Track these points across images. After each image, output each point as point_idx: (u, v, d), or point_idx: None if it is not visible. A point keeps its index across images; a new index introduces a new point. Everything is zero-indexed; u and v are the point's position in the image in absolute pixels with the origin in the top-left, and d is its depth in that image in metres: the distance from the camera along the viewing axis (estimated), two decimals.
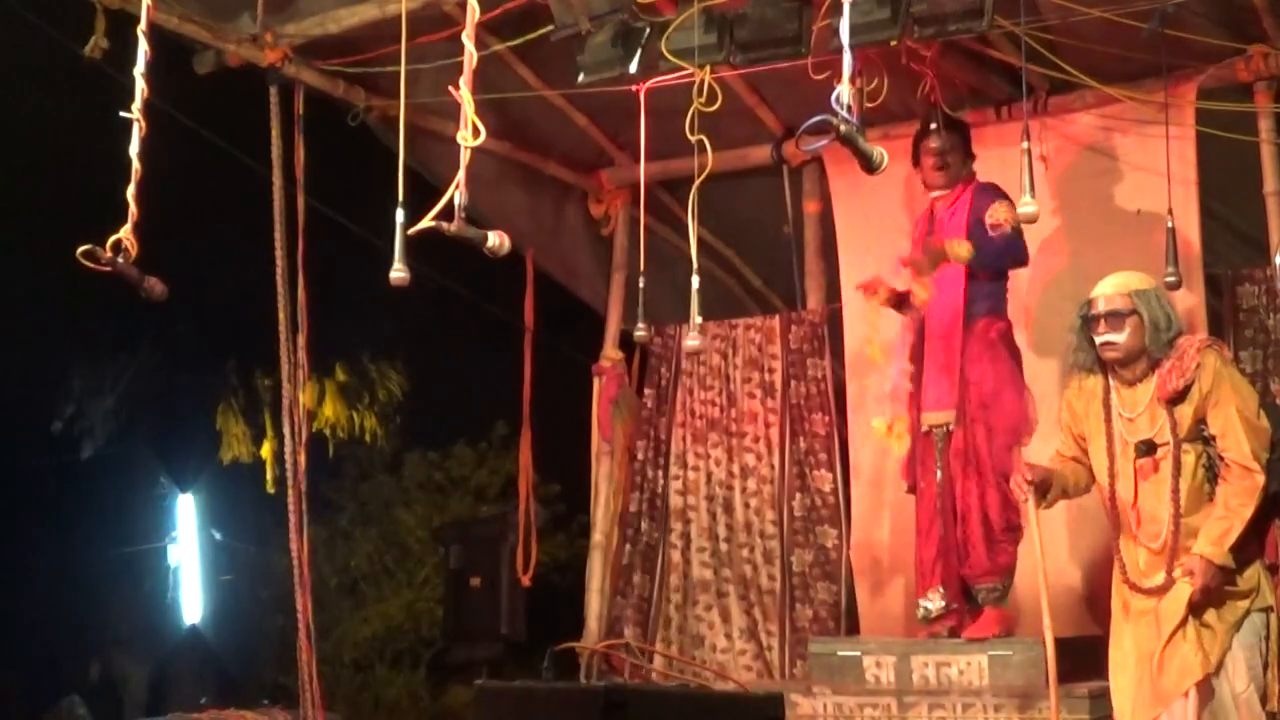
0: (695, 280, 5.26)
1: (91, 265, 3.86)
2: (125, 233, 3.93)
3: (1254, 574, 4.40)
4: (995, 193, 5.92)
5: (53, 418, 10.96)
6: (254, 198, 6.33)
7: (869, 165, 3.45)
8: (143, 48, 4.07)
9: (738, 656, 7.19)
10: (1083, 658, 5.80)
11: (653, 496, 7.59)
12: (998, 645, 5.57)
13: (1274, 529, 4.51)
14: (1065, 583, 6.41)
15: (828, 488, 7.13)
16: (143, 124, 3.99)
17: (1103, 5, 5.65)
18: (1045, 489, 4.68)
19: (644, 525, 7.54)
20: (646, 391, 7.73)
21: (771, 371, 7.41)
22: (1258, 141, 6.24)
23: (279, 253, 6.26)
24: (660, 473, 7.58)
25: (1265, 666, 4.38)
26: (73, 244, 3.86)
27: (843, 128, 3.32)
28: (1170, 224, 5.69)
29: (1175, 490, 4.41)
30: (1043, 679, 5.33)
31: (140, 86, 4.00)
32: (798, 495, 7.21)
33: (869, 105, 5.50)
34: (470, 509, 10.22)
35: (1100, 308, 4.54)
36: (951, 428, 5.86)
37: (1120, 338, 4.48)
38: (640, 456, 7.63)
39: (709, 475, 7.47)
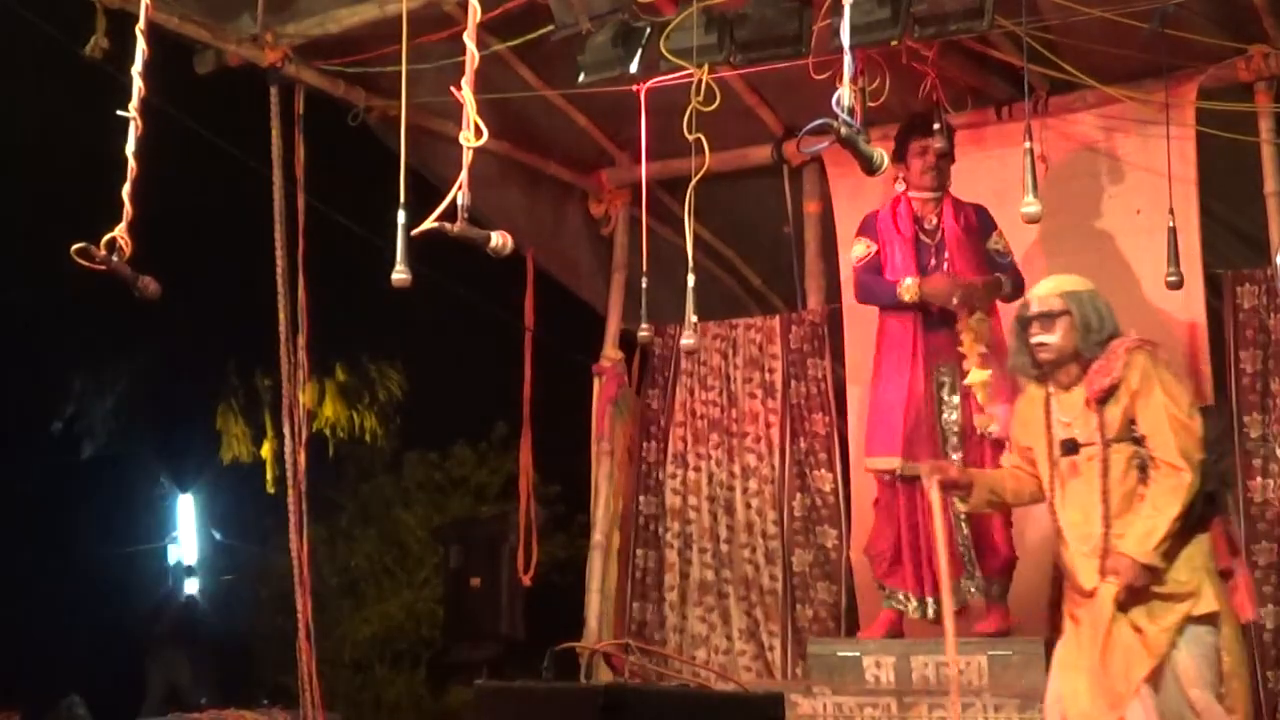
0: (691, 279, 5.26)
1: (85, 264, 3.86)
2: (120, 231, 3.93)
3: (1192, 578, 4.33)
4: (991, 218, 6.06)
5: (53, 418, 10.97)
6: (254, 198, 6.33)
7: (869, 167, 3.45)
8: (141, 47, 4.06)
9: (738, 657, 7.19)
10: None
11: (654, 497, 7.59)
12: (998, 645, 5.57)
13: (1218, 533, 4.42)
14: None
15: (828, 488, 7.13)
16: (140, 123, 3.98)
17: (1103, 5, 5.65)
18: (959, 487, 4.75)
19: (655, 527, 7.55)
20: (649, 392, 7.73)
21: (772, 371, 7.40)
22: (1258, 141, 6.24)
23: (279, 253, 6.26)
24: (661, 473, 7.58)
25: (1223, 678, 4.31)
26: (73, 244, 3.86)
27: (843, 130, 3.32)
28: (1170, 224, 5.69)
29: (1104, 491, 4.41)
30: (1042, 679, 5.34)
31: (138, 86, 3.99)
32: (798, 495, 7.20)
33: (870, 105, 5.50)
34: (470, 509, 10.24)
35: (1033, 309, 4.60)
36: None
37: (1052, 338, 4.52)
38: (648, 458, 7.63)
39: (710, 476, 7.47)
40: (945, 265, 5.96)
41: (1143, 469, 4.39)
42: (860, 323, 7.02)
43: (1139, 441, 4.39)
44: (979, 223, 6.03)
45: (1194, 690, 4.28)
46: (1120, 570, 4.33)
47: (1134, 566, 4.30)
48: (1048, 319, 4.54)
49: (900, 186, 6.09)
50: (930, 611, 5.88)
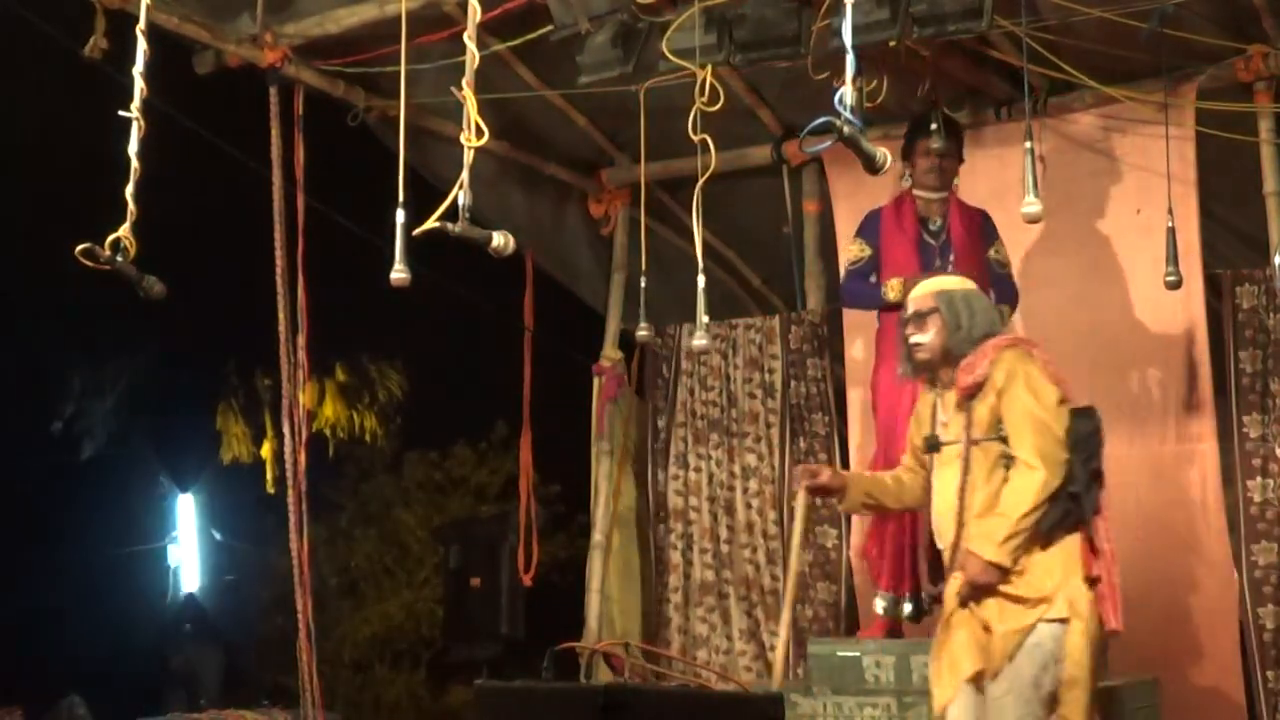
0: (701, 280, 5.25)
1: (90, 264, 3.86)
2: (124, 232, 3.93)
3: (1047, 582, 4.27)
4: (994, 226, 5.99)
5: (53, 418, 10.97)
6: (254, 198, 6.33)
7: (872, 167, 3.45)
8: (141, 47, 4.06)
9: (738, 657, 7.19)
10: None
11: (654, 497, 7.59)
12: None
13: (1085, 537, 4.35)
14: None
15: None
16: (142, 123, 3.98)
17: (1103, 5, 5.65)
18: (831, 491, 4.76)
19: (657, 527, 7.56)
20: (649, 392, 7.74)
21: (771, 371, 7.41)
22: (1258, 141, 6.24)
23: (279, 253, 6.26)
24: (661, 473, 7.59)
25: (1059, 683, 4.25)
26: (73, 244, 3.86)
27: (846, 129, 3.31)
28: (1170, 224, 5.69)
29: (960, 489, 4.40)
30: None
31: (139, 86, 4.00)
32: None
33: (869, 105, 5.49)
34: (470, 509, 10.23)
35: (909, 311, 4.61)
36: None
37: (925, 338, 4.53)
38: (645, 458, 7.64)
39: (710, 476, 7.47)
40: (950, 268, 5.93)
41: (1009, 468, 4.35)
42: (860, 323, 7.02)
43: (1006, 440, 4.35)
44: (982, 229, 5.98)
45: (997, 688, 4.26)
46: (965, 566, 4.32)
47: (977, 563, 4.27)
48: (920, 318, 4.55)
49: (906, 183, 6.06)
50: (906, 610, 5.87)
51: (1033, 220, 5.01)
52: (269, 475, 10.29)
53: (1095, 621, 4.29)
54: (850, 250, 6.11)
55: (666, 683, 6.89)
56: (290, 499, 6.28)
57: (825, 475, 4.80)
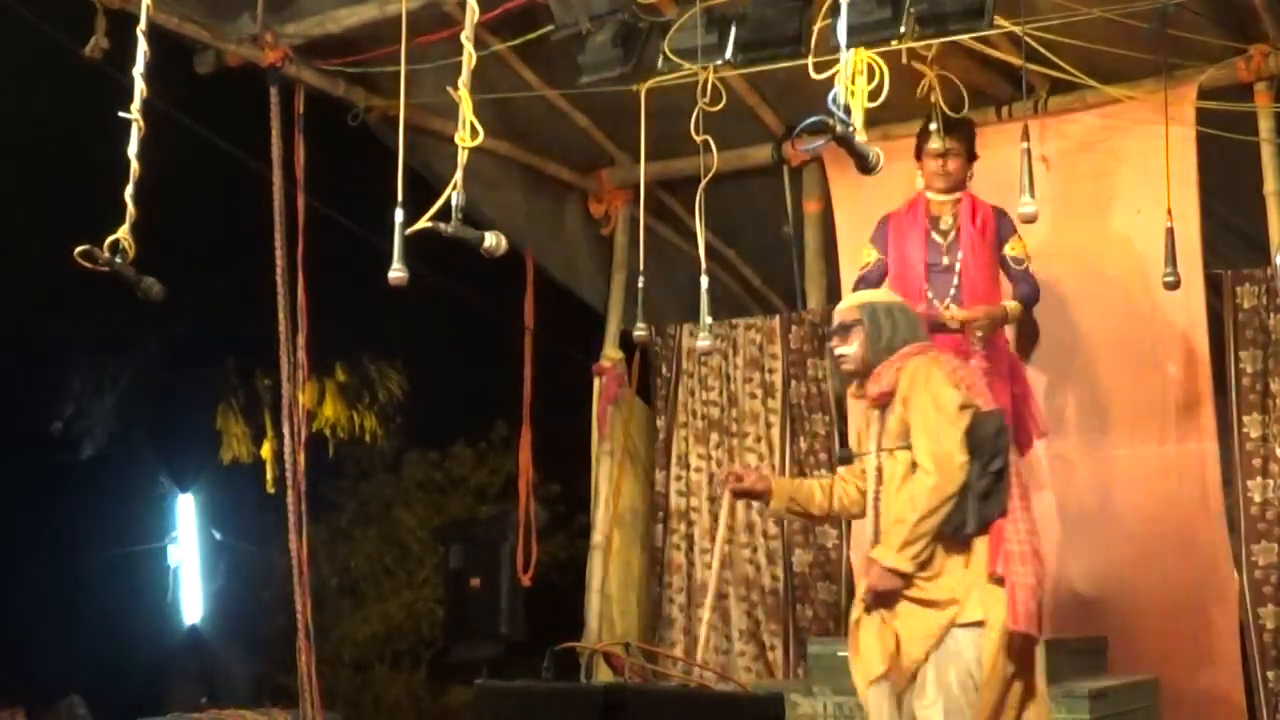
0: (705, 280, 5.25)
1: (89, 265, 3.86)
2: (123, 233, 3.93)
3: (958, 586, 4.30)
4: (1011, 222, 5.91)
5: (53, 418, 10.95)
6: (254, 198, 6.33)
7: (865, 166, 3.45)
8: (142, 48, 4.07)
9: (738, 658, 7.19)
10: (1083, 658, 5.82)
11: (659, 498, 7.59)
12: None
13: (993, 538, 4.33)
14: (1066, 584, 6.42)
15: None
16: (141, 124, 3.99)
17: (1103, 5, 5.65)
18: (756, 495, 4.81)
19: (655, 527, 7.56)
20: (650, 393, 7.74)
21: (772, 371, 7.41)
22: (1258, 141, 6.24)
23: (279, 253, 6.26)
24: (664, 474, 7.59)
25: (977, 687, 4.27)
26: (73, 244, 3.86)
27: (839, 128, 3.32)
28: (1170, 224, 5.69)
29: (876, 497, 4.48)
30: (1043, 679, 5.34)
31: (140, 86, 4.00)
32: None
33: (869, 105, 5.49)
34: (470, 509, 10.22)
35: (834, 324, 4.69)
36: None
37: (850, 349, 4.59)
38: (649, 458, 7.64)
39: (711, 476, 7.47)
40: (957, 265, 5.92)
41: None
42: None
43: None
44: (996, 225, 5.91)
45: (920, 702, 4.29)
46: (867, 572, 4.40)
47: (877, 569, 4.34)
48: (844, 330, 4.62)
49: (920, 184, 6.06)
50: None
51: (1029, 220, 5.00)
52: (269, 475, 10.26)
53: (1001, 622, 4.30)
54: (860, 255, 6.13)
55: (666, 683, 6.89)
56: (290, 499, 6.28)
57: (750, 478, 4.85)
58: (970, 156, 6.00)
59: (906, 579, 4.29)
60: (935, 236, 6.01)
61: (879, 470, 4.48)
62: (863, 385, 4.59)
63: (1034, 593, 4.27)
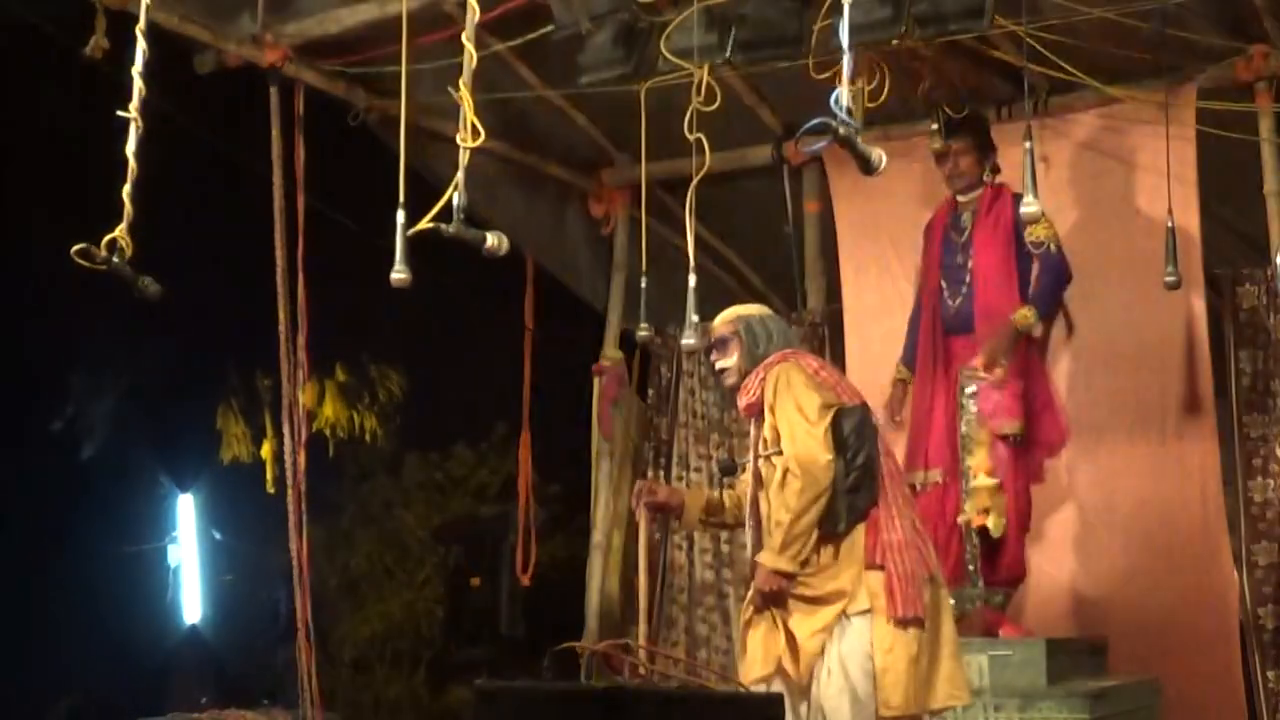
0: (692, 279, 5.27)
1: (86, 264, 3.86)
2: (120, 232, 3.93)
3: (844, 577, 4.38)
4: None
5: (53, 418, 10.95)
6: (254, 198, 6.33)
7: (867, 167, 3.46)
8: (141, 47, 4.06)
9: (738, 658, 7.18)
10: (1083, 658, 5.81)
11: None
12: (998, 645, 5.57)
13: (870, 528, 4.41)
14: (1067, 584, 6.42)
15: None
16: (140, 123, 3.98)
17: (1103, 5, 5.65)
18: (668, 508, 4.89)
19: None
20: (650, 392, 7.74)
21: None
22: (1258, 141, 6.24)
23: (279, 253, 6.26)
24: (663, 474, 7.58)
25: (876, 672, 4.33)
26: (73, 244, 3.86)
27: (841, 130, 3.32)
28: (1170, 224, 5.69)
29: (754, 501, 4.59)
30: (1042, 679, 5.34)
31: (139, 86, 3.99)
32: None
33: (869, 105, 5.49)
34: (470, 509, 10.22)
35: (712, 338, 4.75)
36: (1020, 438, 5.82)
37: (729, 362, 4.68)
38: (649, 459, 7.64)
39: (711, 476, 7.47)
40: (969, 263, 5.93)
41: None
42: (861, 323, 7.03)
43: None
44: (1013, 212, 5.82)
45: (843, 700, 4.34)
46: (754, 575, 4.48)
47: (763, 571, 4.42)
48: (722, 344, 4.71)
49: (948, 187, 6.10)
50: None
51: (1031, 220, 5.01)
52: (269, 475, 10.25)
53: (885, 611, 4.38)
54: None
55: (666, 683, 6.89)
56: (290, 499, 6.28)
57: (662, 493, 4.98)
58: (985, 150, 5.98)
59: (791, 578, 4.39)
60: (953, 235, 6.03)
61: (756, 475, 4.60)
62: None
63: (913, 579, 4.36)
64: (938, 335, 6.02)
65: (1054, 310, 5.93)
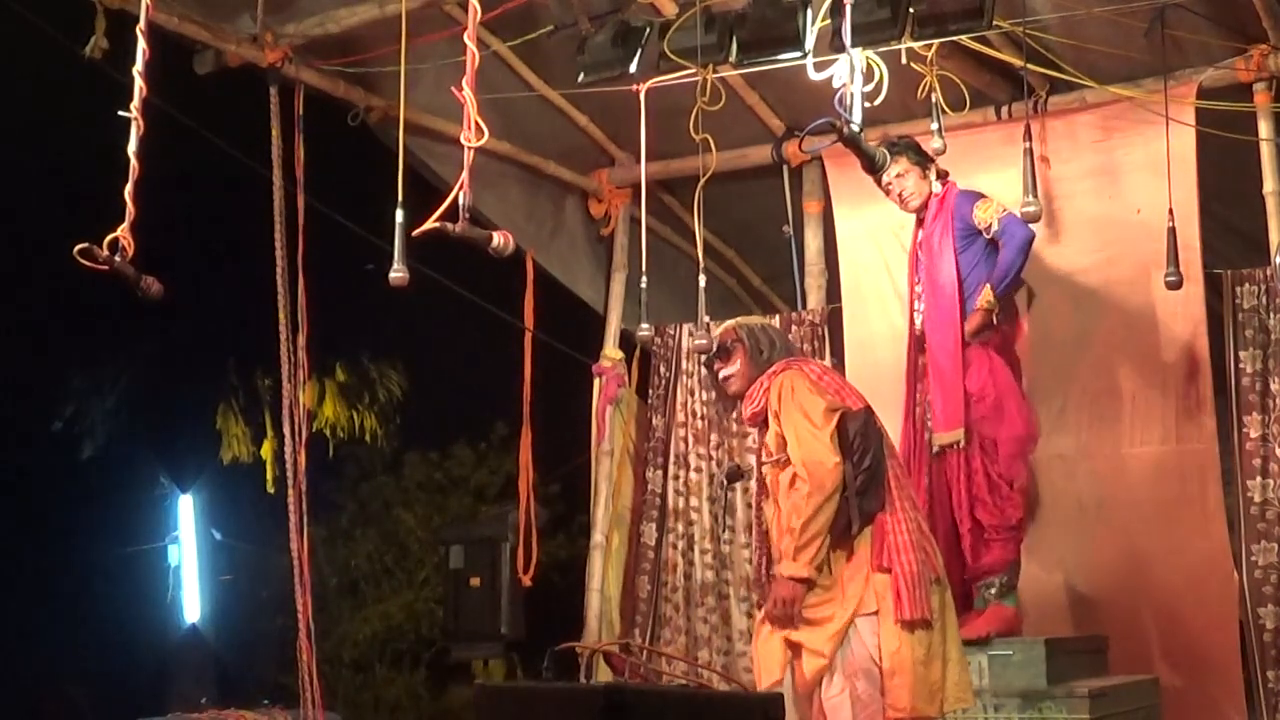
0: (702, 279, 5.27)
1: (88, 264, 3.86)
2: (122, 231, 3.93)
3: (850, 582, 4.41)
4: (972, 196, 5.84)
5: (53, 418, 10.97)
6: (254, 198, 6.33)
7: (871, 167, 3.47)
8: (141, 47, 4.07)
9: (738, 658, 7.18)
10: (1083, 658, 5.81)
11: (654, 497, 7.59)
12: (998, 645, 5.57)
13: (878, 530, 4.43)
14: (1068, 583, 6.42)
15: None
16: (141, 123, 3.98)
17: (1103, 5, 5.65)
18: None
19: (648, 526, 7.55)
20: (650, 392, 7.73)
21: None
22: (1258, 141, 6.24)
23: (279, 253, 6.25)
24: (661, 473, 7.58)
25: (883, 677, 4.35)
26: (73, 244, 3.86)
27: (846, 129, 3.33)
28: (1170, 224, 5.69)
29: (758, 508, 4.64)
30: (1042, 679, 5.34)
31: (139, 86, 3.99)
32: None
33: (869, 106, 5.49)
34: (470, 509, 10.23)
35: (713, 349, 4.78)
36: (962, 445, 5.81)
37: (733, 369, 4.71)
38: (649, 458, 7.64)
39: (710, 476, 7.47)
40: (921, 278, 5.93)
41: None
42: (860, 323, 7.03)
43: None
44: (955, 208, 5.81)
45: (843, 698, 4.37)
46: (775, 586, 4.47)
47: (780, 580, 4.43)
48: (724, 353, 4.74)
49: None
50: None
51: (1032, 220, 5.00)
52: (269, 475, 10.28)
53: (892, 612, 4.39)
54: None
55: (667, 683, 6.89)
56: (290, 499, 6.28)
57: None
58: (923, 164, 5.88)
59: (809, 585, 4.41)
60: (917, 250, 6.01)
61: (761, 482, 4.62)
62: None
63: (920, 581, 4.38)
64: (913, 348, 6.01)
65: (1012, 280, 5.83)
